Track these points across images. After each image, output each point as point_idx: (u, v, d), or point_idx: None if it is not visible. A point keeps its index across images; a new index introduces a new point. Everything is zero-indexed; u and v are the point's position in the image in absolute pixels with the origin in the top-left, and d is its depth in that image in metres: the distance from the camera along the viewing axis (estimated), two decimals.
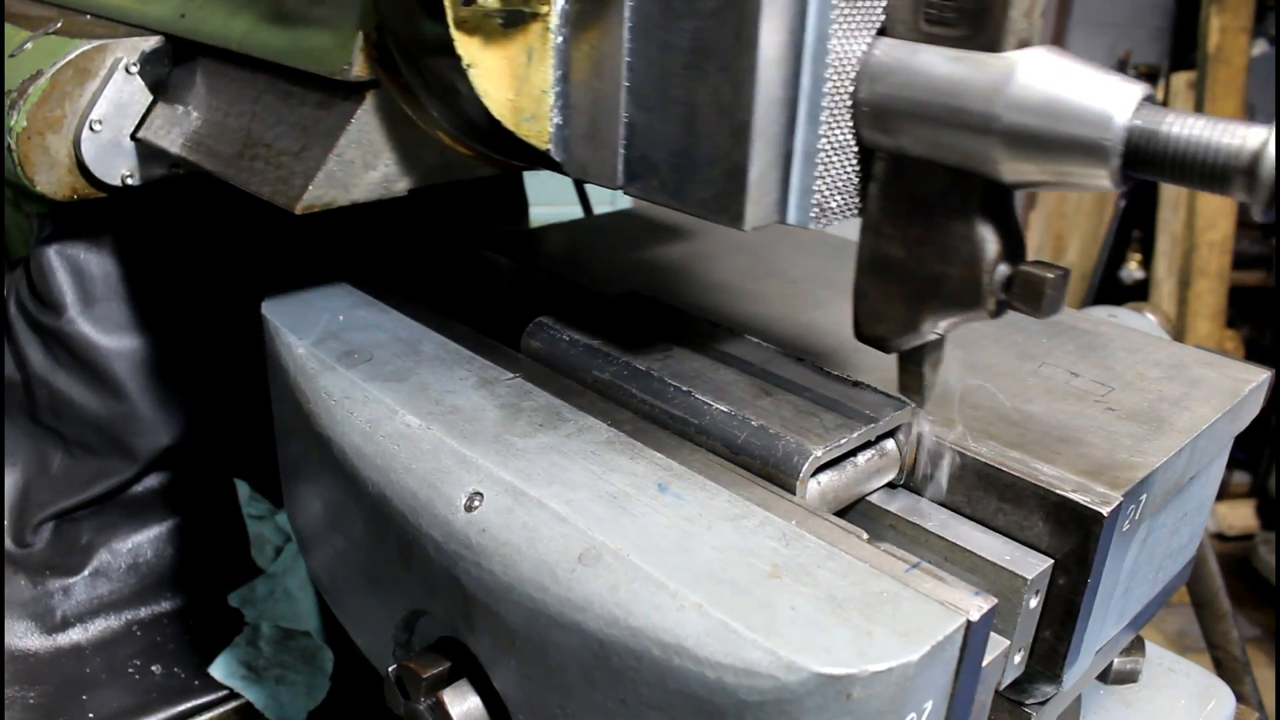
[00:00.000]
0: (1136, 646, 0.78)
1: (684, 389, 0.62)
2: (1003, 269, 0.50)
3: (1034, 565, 0.56)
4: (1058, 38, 3.44)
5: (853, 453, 0.60)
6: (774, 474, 0.56)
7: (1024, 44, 0.46)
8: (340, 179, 0.63)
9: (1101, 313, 1.05)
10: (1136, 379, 0.71)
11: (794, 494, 0.55)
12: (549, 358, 0.68)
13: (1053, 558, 0.57)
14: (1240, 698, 0.86)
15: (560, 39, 0.55)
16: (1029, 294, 0.49)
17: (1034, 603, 0.57)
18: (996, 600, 0.48)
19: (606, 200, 3.05)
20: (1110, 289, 3.57)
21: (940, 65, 0.47)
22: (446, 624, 0.58)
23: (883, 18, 0.49)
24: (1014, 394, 0.68)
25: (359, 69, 0.61)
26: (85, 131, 0.80)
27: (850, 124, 0.50)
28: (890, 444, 0.62)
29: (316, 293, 0.77)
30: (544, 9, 0.54)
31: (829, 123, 0.49)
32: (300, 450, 0.71)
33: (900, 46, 0.49)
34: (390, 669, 0.58)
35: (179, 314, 1.00)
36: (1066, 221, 3.64)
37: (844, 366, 0.66)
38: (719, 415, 0.59)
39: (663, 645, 0.45)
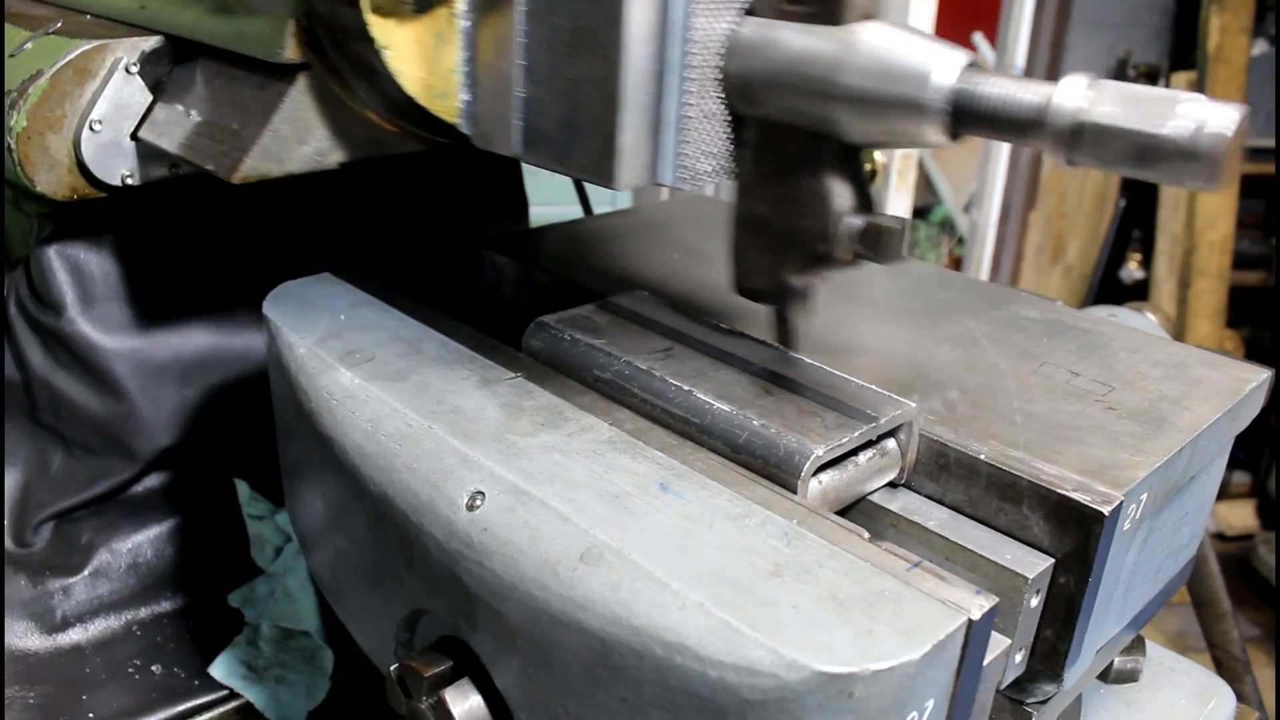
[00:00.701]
0: (1137, 646, 0.78)
1: (685, 388, 0.62)
2: (853, 221, 0.55)
3: (1035, 564, 0.57)
4: (1058, 38, 3.44)
5: (854, 452, 0.60)
6: (775, 473, 0.56)
7: (867, 17, 0.52)
8: (275, 152, 0.70)
9: (1102, 312, 1.05)
10: (1137, 378, 0.71)
11: (795, 493, 0.55)
12: (550, 357, 0.68)
13: (1054, 557, 0.57)
14: (1240, 697, 0.86)
15: (466, 23, 0.61)
16: (874, 243, 0.55)
17: (1035, 602, 0.57)
18: (998, 599, 0.48)
19: (606, 200, 3.06)
20: (1110, 289, 3.57)
21: (794, 39, 0.53)
22: (448, 623, 0.58)
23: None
24: (1015, 393, 0.68)
25: (290, 52, 0.68)
26: (85, 131, 0.80)
27: (719, 94, 0.56)
28: (891, 443, 0.62)
29: (318, 292, 0.77)
30: None
31: (696, 93, 0.55)
32: (302, 450, 0.71)
33: (762, 24, 0.54)
34: (392, 668, 0.58)
35: (179, 314, 1.00)
36: (1066, 221, 3.64)
37: (845, 366, 0.66)
38: (720, 414, 0.59)
39: (665, 644, 0.45)
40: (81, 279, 0.94)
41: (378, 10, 0.60)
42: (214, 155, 0.71)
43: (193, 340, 1.00)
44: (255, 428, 1.04)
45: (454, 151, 1.13)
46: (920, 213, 4.15)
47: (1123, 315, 1.08)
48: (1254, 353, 3.50)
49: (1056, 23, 3.41)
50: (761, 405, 0.60)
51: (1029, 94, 0.47)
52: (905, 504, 0.62)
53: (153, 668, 0.96)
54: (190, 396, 1.00)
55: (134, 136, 0.82)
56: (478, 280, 0.89)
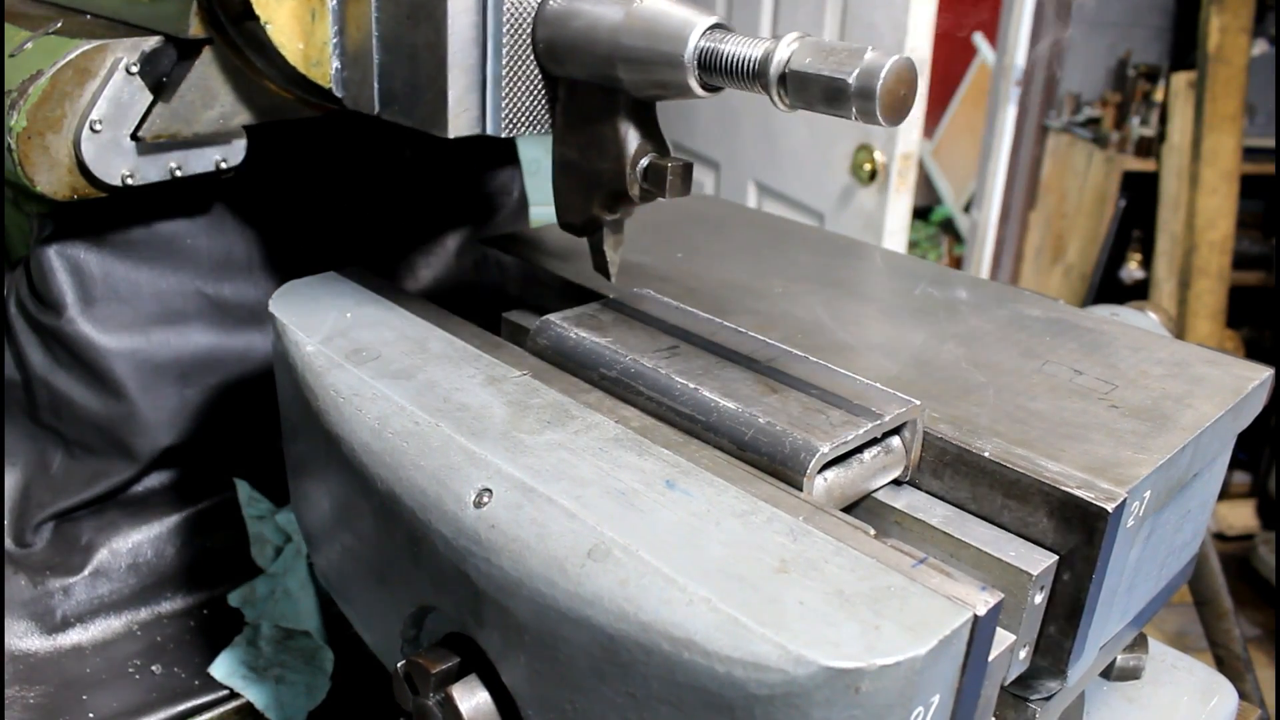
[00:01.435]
0: (1140, 643, 0.78)
1: (691, 386, 0.62)
2: (643, 163, 0.65)
3: (1039, 561, 0.57)
4: (1058, 37, 3.45)
5: (859, 449, 0.60)
6: (781, 470, 0.56)
7: None
8: (182, 115, 0.81)
9: (1104, 311, 1.06)
10: (1139, 377, 0.71)
11: (801, 490, 0.55)
12: (556, 355, 0.68)
13: (1058, 554, 0.57)
14: (1242, 695, 0.86)
15: (335, 2, 0.71)
16: (656, 179, 0.65)
17: (1039, 599, 0.57)
18: (1003, 595, 0.48)
19: None
20: (1110, 289, 3.57)
21: (588, 9, 0.63)
22: (455, 620, 0.58)
23: None
24: (1018, 391, 0.68)
25: (194, 29, 0.79)
26: (85, 131, 0.80)
27: (532, 58, 0.66)
28: (896, 441, 0.62)
29: (323, 290, 0.77)
30: None
31: (511, 56, 0.65)
32: (308, 448, 0.71)
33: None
34: (399, 664, 0.58)
35: (179, 314, 0.99)
36: (1066, 221, 3.64)
37: (849, 364, 0.66)
38: (726, 412, 0.60)
39: (672, 639, 0.45)
40: (81, 279, 0.94)
41: None
42: (139, 120, 0.82)
43: (193, 340, 1.00)
44: (255, 427, 1.04)
45: (454, 152, 1.13)
46: (920, 213, 4.15)
47: (1125, 314, 1.08)
48: (1254, 353, 3.51)
49: (1056, 23, 3.41)
50: (767, 403, 0.60)
51: (755, 49, 0.57)
52: (910, 501, 0.62)
53: (153, 668, 0.96)
54: (190, 396, 1.00)
55: (134, 136, 0.82)
56: (483, 279, 0.89)
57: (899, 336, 0.76)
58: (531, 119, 0.67)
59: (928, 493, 0.63)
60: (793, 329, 0.76)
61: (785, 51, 0.55)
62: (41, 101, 0.78)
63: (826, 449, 0.56)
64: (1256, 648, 2.85)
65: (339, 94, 0.74)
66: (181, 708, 0.93)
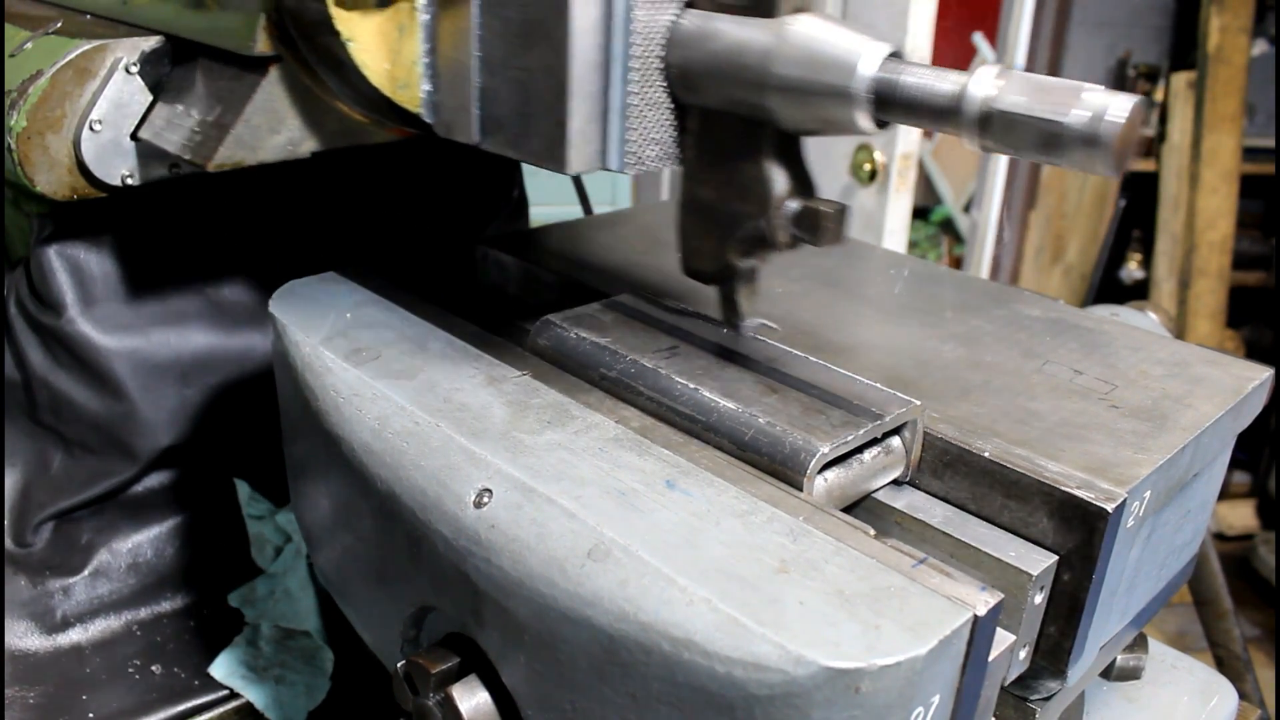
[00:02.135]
0: (1140, 643, 0.78)
1: (691, 386, 0.62)
2: (791, 205, 0.58)
3: (1039, 561, 0.57)
4: (1058, 37, 3.45)
5: (859, 450, 0.60)
6: (781, 470, 0.56)
7: (799, 10, 0.54)
8: (247, 141, 0.73)
9: (1104, 311, 1.06)
10: (1139, 377, 0.71)
11: (801, 490, 0.55)
12: (556, 355, 0.68)
13: (1057, 554, 0.57)
14: (1242, 695, 0.86)
15: (427, 16, 0.64)
16: (809, 225, 0.58)
17: (1039, 599, 0.57)
18: (1003, 595, 0.48)
19: (606, 200, 3.05)
20: (1110, 289, 3.58)
21: (730, 30, 0.55)
22: (455, 620, 0.58)
23: None
24: (1018, 391, 0.68)
25: (262, 45, 0.70)
26: (85, 131, 0.80)
27: (663, 84, 0.59)
28: (896, 441, 0.62)
29: (323, 291, 0.77)
30: None
31: (639, 83, 0.58)
32: (308, 448, 0.71)
33: (702, 17, 0.57)
34: (399, 665, 0.58)
35: (179, 314, 0.99)
36: (1066, 221, 3.64)
37: (849, 365, 0.66)
38: (726, 412, 0.60)
39: (672, 640, 0.45)
40: (81, 279, 0.94)
41: (341, 4, 0.63)
42: (193, 145, 0.75)
43: (193, 340, 1.00)
44: (255, 428, 1.04)
45: (454, 152, 1.13)
46: (920, 213, 4.15)
47: (1125, 314, 1.08)
48: (1254, 353, 3.51)
49: (1056, 23, 3.41)
50: (767, 403, 0.60)
51: (945, 83, 0.50)
52: (910, 501, 0.62)
53: (153, 668, 0.96)
54: (190, 396, 1.00)
55: (134, 136, 0.82)
56: (483, 279, 0.89)
57: (899, 336, 0.76)
58: (658, 153, 0.60)
59: (928, 493, 0.63)
60: (792, 329, 0.76)
61: (988, 87, 0.48)
62: (41, 101, 0.78)
63: (827, 449, 0.56)
64: (1256, 648, 2.85)
65: (429, 119, 0.66)
66: (181, 708, 0.93)
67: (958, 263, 4.03)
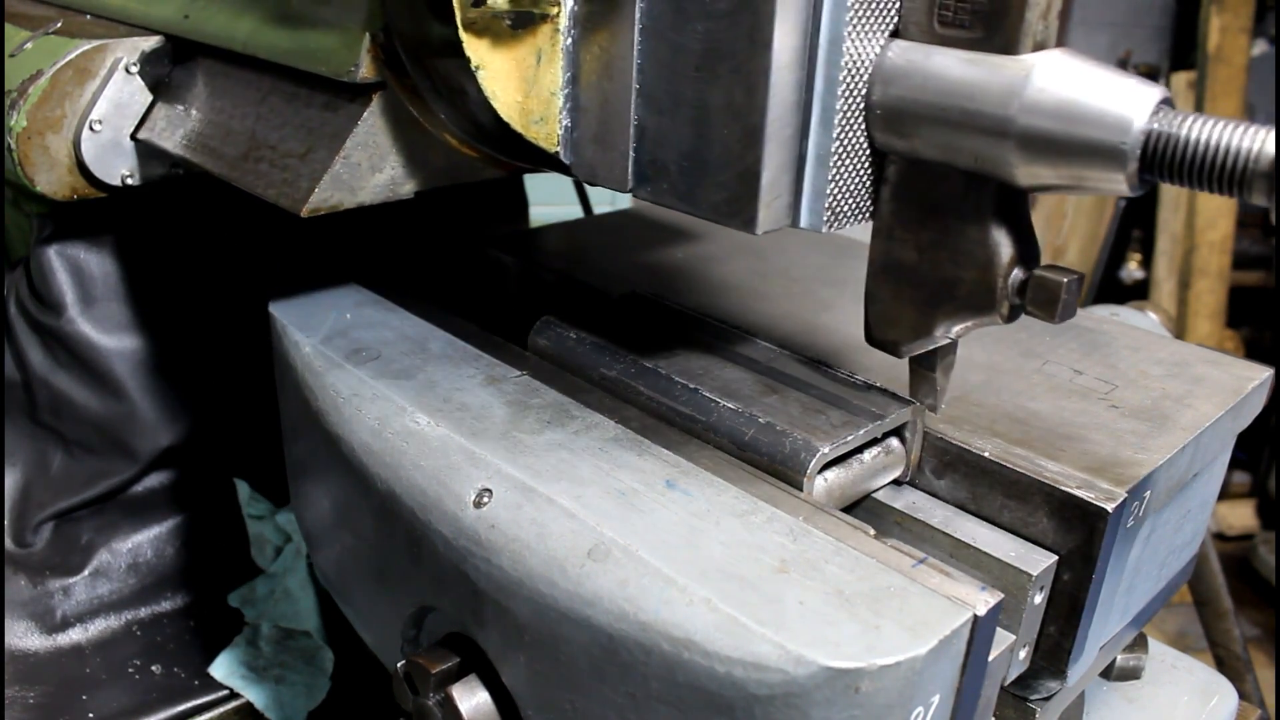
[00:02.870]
0: (1139, 643, 0.78)
1: (691, 386, 0.62)
2: (1017, 273, 0.50)
3: (1039, 561, 0.57)
4: (1058, 38, 3.45)
5: (859, 450, 0.60)
6: (781, 470, 0.56)
7: (1040, 46, 0.46)
8: (346, 181, 0.64)
9: (1104, 311, 1.06)
10: (1139, 377, 0.71)
11: (801, 490, 0.55)
12: (556, 355, 0.68)
13: (1057, 554, 0.57)
14: (1242, 695, 0.86)
15: (569, 41, 0.54)
16: (1044, 299, 0.49)
17: (1039, 599, 0.57)
18: (1003, 595, 0.48)
19: (606, 200, 3.05)
20: (1110, 289, 3.57)
21: (954, 68, 0.47)
22: (455, 620, 0.58)
23: (896, 19, 0.49)
24: (1018, 391, 0.68)
25: (366, 70, 0.61)
26: (85, 131, 0.80)
27: (864, 127, 0.50)
28: (895, 441, 0.62)
29: (324, 291, 0.77)
30: (553, 10, 0.54)
31: (842, 126, 0.49)
32: (308, 448, 0.71)
33: (914, 49, 0.48)
34: (399, 664, 0.58)
35: (179, 314, 1.00)
36: (1067, 222, 3.64)
37: (849, 365, 0.66)
38: (726, 412, 0.60)
39: (672, 640, 0.45)
40: (81, 279, 0.94)
41: (472, 26, 0.53)
42: (277, 184, 0.66)
43: (193, 340, 1.00)
44: (255, 428, 1.04)
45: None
46: None
47: (1125, 314, 1.08)
48: (1254, 353, 3.51)
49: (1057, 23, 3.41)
50: (767, 403, 0.60)
51: (1238, 138, 0.42)
52: (910, 501, 0.62)
53: (153, 668, 0.96)
54: (190, 396, 1.00)
55: (134, 136, 0.82)
56: (482, 279, 0.89)
57: None
58: (855, 208, 0.51)
59: (928, 493, 0.63)
60: (793, 329, 0.76)
61: None
62: (41, 101, 0.78)
63: (827, 449, 0.56)
64: (1256, 648, 2.85)
65: (567, 160, 0.57)
66: (181, 708, 0.93)
67: None
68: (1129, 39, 3.61)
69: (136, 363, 0.97)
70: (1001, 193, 0.48)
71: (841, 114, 0.48)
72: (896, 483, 0.63)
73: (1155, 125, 0.43)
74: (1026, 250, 0.50)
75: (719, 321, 0.72)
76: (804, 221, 0.51)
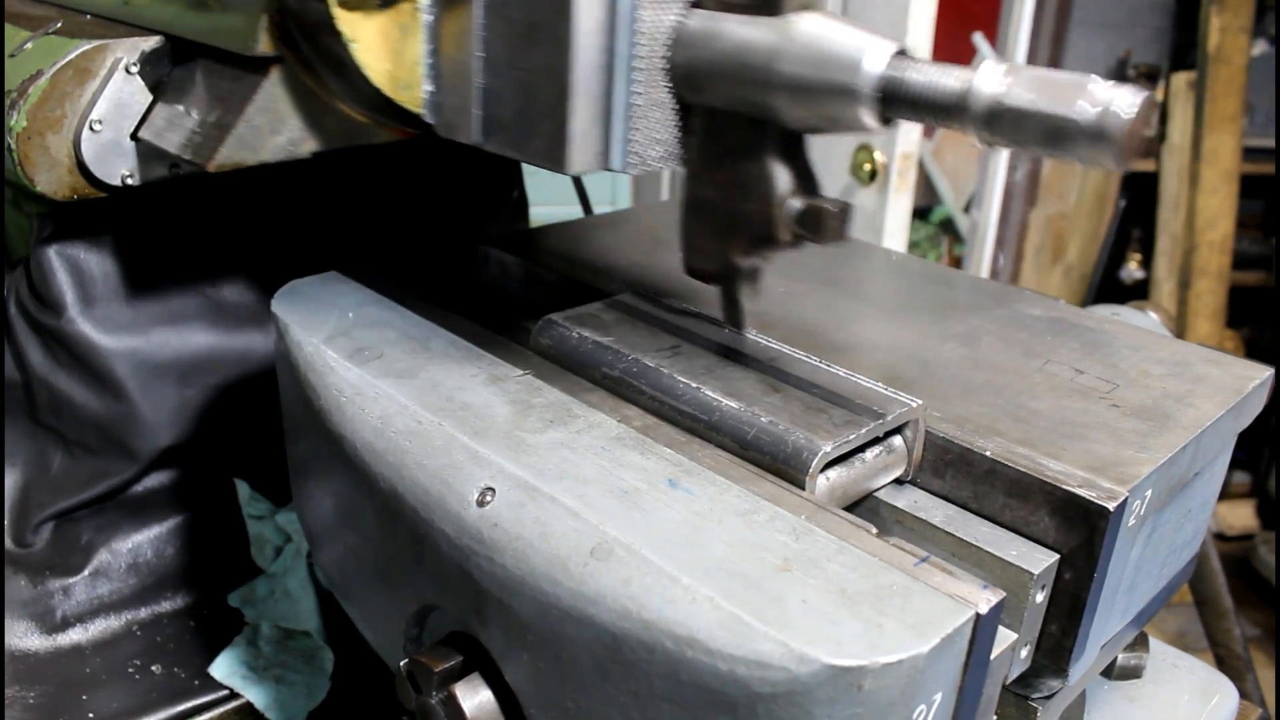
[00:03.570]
0: (1140, 642, 0.78)
1: (693, 385, 0.62)
2: (794, 204, 0.58)
3: (1040, 560, 0.57)
4: (1058, 37, 3.45)
5: (861, 449, 0.60)
6: (783, 469, 0.56)
7: (805, 8, 0.54)
8: (249, 142, 0.73)
9: (1105, 311, 1.06)
10: (1141, 376, 0.71)
11: (803, 489, 0.55)
12: (558, 355, 0.68)
13: (1059, 553, 0.57)
14: (1243, 695, 0.86)
15: (429, 17, 0.63)
16: (813, 224, 0.57)
17: (1040, 597, 0.57)
18: (1005, 594, 0.48)
19: (606, 200, 3.06)
20: (1110, 289, 3.58)
21: (735, 30, 0.55)
22: (458, 619, 0.58)
23: None
24: (1020, 391, 0.68)
25: (263, 46, 0.71)
26: (85, 131, 0.80)
27: (666, 84, 0.59)
28: (897, 440, 0.62)
29: (325, 290, 0.77)
30: None
31: (644, 83, 0.57)
32: (310, 447, 0.71)
33: (707, 17, 0.57)
34: (402, 663, 0.58)
35: (179, 314, 0.99)
36: (1066, 221, 3.65)
37: (851, 364, 0.67)
38: (728, 411, 0.60)
39: (675, 638, 0.45)
40: (81, 279, 0.94)
41: (344, 4, 0.62)
42: (194, 146, 0.74)
43: (193, 340, 1.00)
44: (255, 428, 1.04)
45: (455, 152, 1.13)
46: (920, 213, 4.15)
47: (1125, 314, 1.09)
48: (1254, 353, 3.51)
49: (1056, 23, 3.41)
50: (769, 402, 0.60)
51: (952, 79, 0.50)
52: (911, 500, 0.62)
53: (153, 668, 0.96)
54: (190, 396, 1.00)
55: (134, 136, 0.82)
56: (484, 278, 0.89)
57: (900, 336, 0.76)
58: (661, 153, 0.60)
59: (929, 492, 0.63)
60: (794, 328, 0.76)
61: (995, 84, 0.48)
62: (41, 101, 0.78)
63: (829, 448, 0.56)
64: (1256, 648, 2.85)
65: (430, 120, 0.66)
66: (181, 708, 0.93)
67: (958, 263, 4.03)
68: (1129, 39, 3.61)
69: (136, 363, 0.97)
70: (779, 134, 0.57)
71: (642, 73, 0.57)
72: (898, 481, 0.63)
73: (889, 70, 0.51)
74: (804, 184, 0.58)
75: (720, 321, 0.72)
76: (614, 164, 0.59)
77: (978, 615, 0.45)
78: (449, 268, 0.90)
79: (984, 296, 0.84)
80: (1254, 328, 3.59)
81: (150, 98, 0.82)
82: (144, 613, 1.01)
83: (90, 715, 0.91)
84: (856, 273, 0.91)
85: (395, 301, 0.75)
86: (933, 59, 0.52)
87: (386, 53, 0.64)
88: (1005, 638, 0.55)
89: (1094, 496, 0.55)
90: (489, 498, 0.54)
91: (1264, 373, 0.73)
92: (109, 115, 0.80)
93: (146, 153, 0.83)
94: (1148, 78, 3.51)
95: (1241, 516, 3.51)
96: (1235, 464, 3.55)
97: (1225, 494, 3.49)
